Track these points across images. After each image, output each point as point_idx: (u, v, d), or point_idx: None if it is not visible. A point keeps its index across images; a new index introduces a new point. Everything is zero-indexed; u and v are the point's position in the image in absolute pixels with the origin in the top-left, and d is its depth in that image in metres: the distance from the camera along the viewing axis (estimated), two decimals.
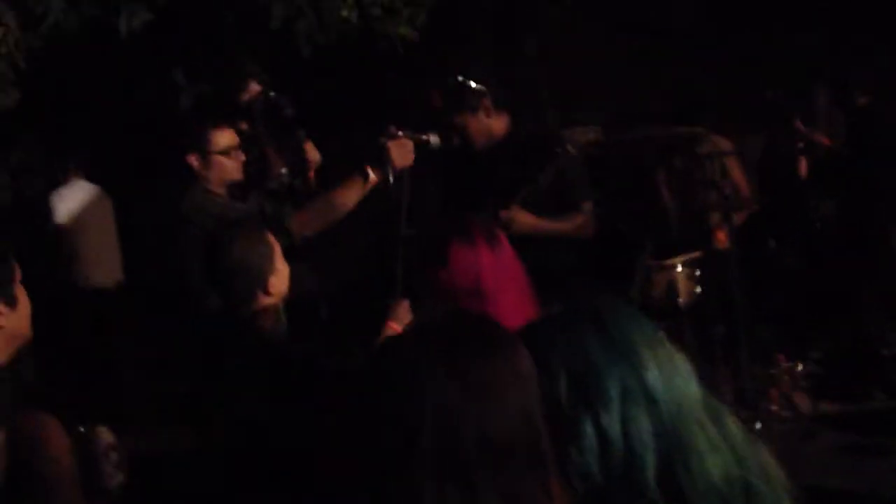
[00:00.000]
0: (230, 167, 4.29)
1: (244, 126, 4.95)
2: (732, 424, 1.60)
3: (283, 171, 4.67)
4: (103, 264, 7.08)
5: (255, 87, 4.84)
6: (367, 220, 4.11)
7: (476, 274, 4.08)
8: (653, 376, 1.55)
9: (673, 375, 1.58)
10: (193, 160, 4.24)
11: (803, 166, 7.06)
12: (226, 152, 4.27)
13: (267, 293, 3.25)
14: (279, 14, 5.95)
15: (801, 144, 7.11)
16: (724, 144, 6.10)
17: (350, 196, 3.95)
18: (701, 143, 5.88)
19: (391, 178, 3.94)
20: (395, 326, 3.51)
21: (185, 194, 4.20)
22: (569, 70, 11.06)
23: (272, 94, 4.79)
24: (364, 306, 3.90)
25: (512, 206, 4.26)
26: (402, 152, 3.95)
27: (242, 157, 4.35)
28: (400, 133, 4.00)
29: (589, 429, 1.50)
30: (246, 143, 4.52)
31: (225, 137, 4.31)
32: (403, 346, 1.50)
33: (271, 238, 3.34)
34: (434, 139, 4.15)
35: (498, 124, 4.51)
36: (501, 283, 4.06)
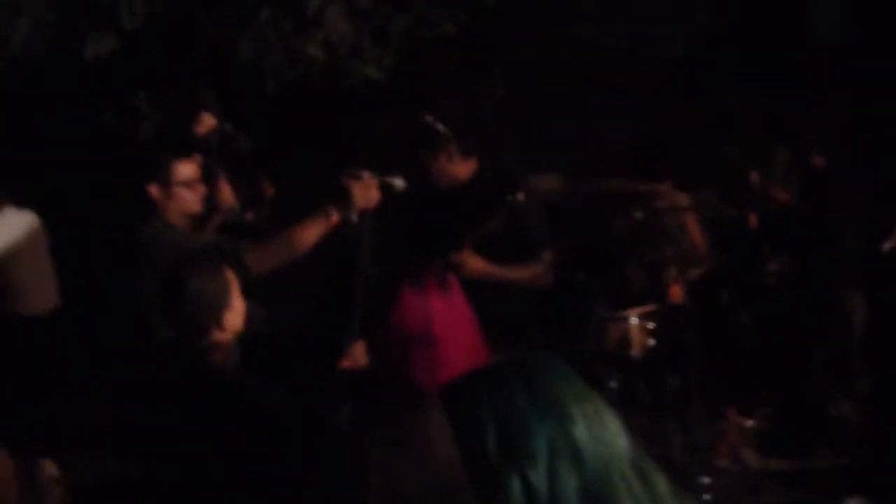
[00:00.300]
0: (190, 199, 4.26)
1: (199, 158, 4.96)
2: (661, 482, 1.61)
3: (235, 204, 4.67)
4: (38, 292, 6.91)
5: (209, 120, 4.83)
6: (328, 258, 4.10)
7: (426, 319, 4.09)
8: (581, 433, 1.56)
9: (601, 432, 1.58)
10: (154, 190, 4.22)
11: (752, 221, 7.14)
12: (187, 184, 4.25)
13: (221, 328, 3.23)
14: (247, 48, 5.95)
15: (753, 198, 7.21)
16: (683, 200, 6.16)
17: (309, 235, 3.92)
18: (660, 197, 5.94)
19: (353, 219, 3.93)
20: (349, 367, 3.50)
21: (144, 224, 4.18)
22: (535, 116, 11.15)
23: (228, 127, 4.79)
24: (320, 345, 3.89)
25: (463, 249, 4.26)
26: (365, 193, 3.94)
27: (202, 190, 4.33)
28: (366, 174, 4.00)
29: (516, 484, 1.50)
30: (201, 175, 4.51)
31: (187, 168, 4.29)
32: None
33: (229, 273, 3.32)
34: (399, 182, 4.16)
35: (463, 169, 4.53)
36: (451, 329, 4.07)
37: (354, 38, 6.07)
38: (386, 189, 4.06)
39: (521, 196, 4.36)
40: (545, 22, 8.13)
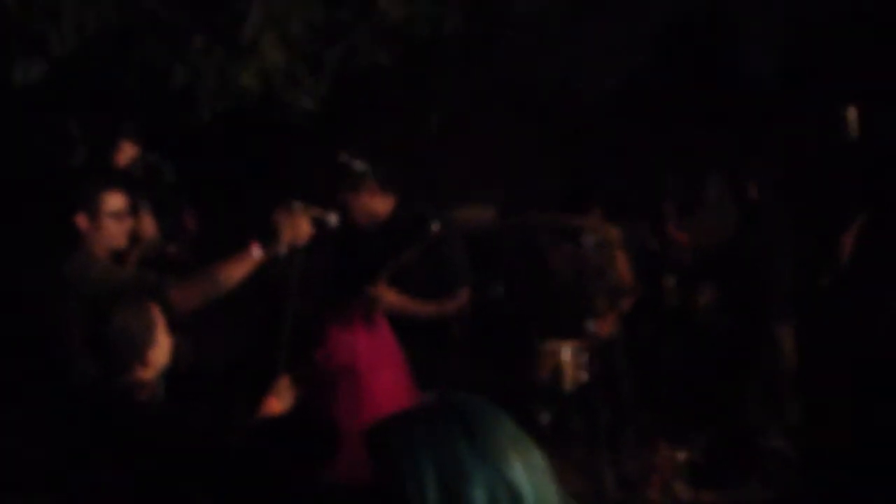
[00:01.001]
0: (117, 232, 4.18)
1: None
2: None
3: (156, 236, 4.60)
4: None
5: (130, 149, 4.76)
6: (258, 291, 4.04)
7: (351, 354, 4.06)
8: (518, 477, 1.54)
9: (534, 475, 1.57)
10: (81, 220, 4.12)
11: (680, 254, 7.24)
12: (116, 215, 4.16)
13: (144, 365, 3.18)
14: (180, 75, 5.88)
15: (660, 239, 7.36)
16: (613, 233, 6.19)
17: (235, 271, 3.83)
18: (591, 231, 5.96)
19: (281, 253, 3.87)
20: (274, 403, 3.46)
21: (68, 257, 4.08)
22: (469, 148, 11.19)
23: (151, 157, 4.73)
24: (246, 381, 3.83)
25: (378, 283, 4.24)
26: (295, 227, 3.89)
27: (129, 222, 4.24)
28: (297, 205, 3.95)
29: None
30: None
31: (116, 200, 4.20)
32: None
33: (155, 309, 3.27)
34: (333, 218, 4.13)
35: (382, 205, 4.52)
36: (376, 364, 4.05)
37: (288, 67, 6.03)
38: (319, 224, 4.03)
39: (435, 226, 4.36)
40: (481, 54, 8.17)
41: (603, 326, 5.77)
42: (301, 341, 3.99)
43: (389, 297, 4.27)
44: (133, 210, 4.48)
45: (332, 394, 4.07)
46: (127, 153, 4.93)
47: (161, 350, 3.23)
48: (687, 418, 6.55)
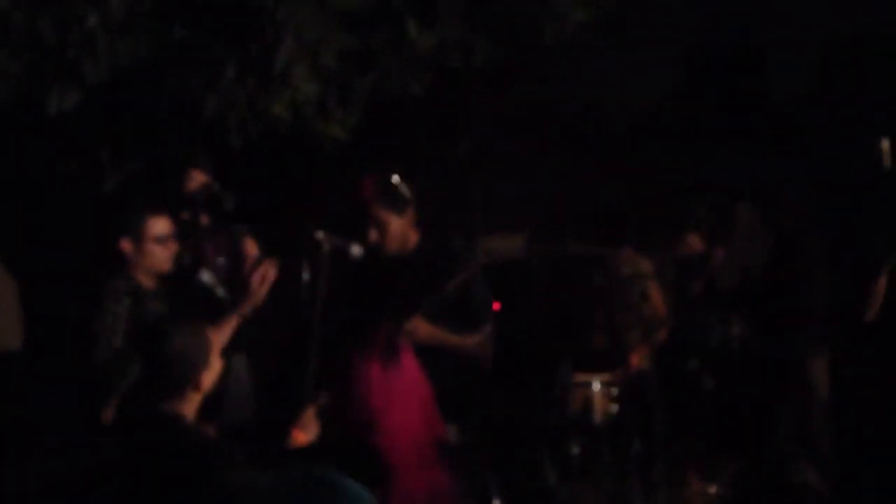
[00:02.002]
0: (162, 256, 4.20)
1: (185, 215, 4.95)
2: None
3: (221, 260, 4.63)
4: (5, 337, 6.79)
5: (199, 177, 4.82)
6: (286, 324, 4.04)
7: (366, 390, 4.04)
8: None
9: None
10: (126, 244, 4.16)
11: (697, 285, 7.15)
12: (160, 240, 4.19)
13: (196, 389, 3.20)
14: (212, 105, 5.91)
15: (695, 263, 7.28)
16: (645, 266, 6.17)
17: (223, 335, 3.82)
18: (623, 263, 5.95)
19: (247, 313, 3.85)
20: (300, 435, 3.44)
21: (107, 284, 4.11)
22: (500, 175, 11.18)
23: (215, 185, 4.78)
24: (274, 408, 3.84)
25: (414, 316, 4.22)
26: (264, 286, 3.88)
27: (175, 247, 4.26)
28: (320, 236, 3.96)
29: None
30: (184, 232, 4.47)
31: (161, 224, 4.23)
32: None
33: (210, 332, 3.29)
34: (357, 249, 4.13)
35: (414, 235, 4.50)
36: (391, 400, 4.01)
37: (319, 97, 6.05)
38: (342, 254, 4.03)
39: (476, 263, 4.36)
40: (511, 82, 8.18)
41: (635, 359, 5.74)
42: (327, 371, 3.98)
43: (424, 329, 4.25)
44: (195, 235, 4.54)
45: (353, 428, 4.04)
46: (197, 181, 5.01)
47: (212, 374, 3.25)
48: (718, 451, 6.49)
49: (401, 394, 4.08)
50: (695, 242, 7.39)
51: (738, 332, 7.16)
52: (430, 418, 4.17)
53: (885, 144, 3.92)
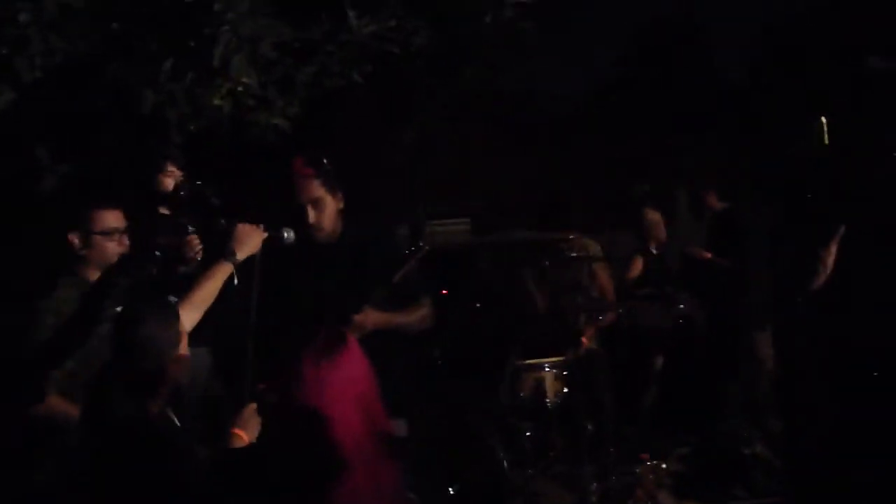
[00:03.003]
0: (112, 250, 4.13)
1: (166, 211, 4.91)
2: None
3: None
4: None
5: (176, 172, 4.77)
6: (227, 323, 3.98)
7: (305, 386, 4.00)
8: None
9: None
10: (74, 239, 4.10)
11: (636, 266, 7.22)
12: (109, 233, 4.12)
13: (166, 383, 3.18)
14: (149, 100, 5.84)
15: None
16: (593, 248, 6.19)
17: (216, 282, 3.81)
18: (570, 246, 5.96)
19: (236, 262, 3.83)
20: (241, 434, 3.41)
21: (58, 279, 4.05)
22: (443, 162, 11.19)
23: (196, 182, 4.73)
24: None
25: (365, 307, 4.19)
26: (251, 240, 3.87)
27: (126, 242, 4.19)
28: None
29: None
30: (167, 228, 4.42)
31: (109, 218, 4.15)
32: None
33: (180, 325, 3.26)
34: (289, 234, 4.09)
35: (340, 224, 4.47)
36: (330, 396, 3.98)
37: (260, 88, 6.00)
38: (273, 240, 4.00)
39: (426, 248, 4.34)
40: (452, 68, 8.16)
41: (585, 340, 5.77)
42: (266, 367, 3.94)
43: (375, 316, 4.22)
44: (179, 232, 4.48)
45: (293, 426, 4.00)
46: (174, 176, 4.95)
47: (181, 368, 3.22)
48: (670, 428, 6.56)
49: (340, 389, 4.04)
50: (653, 215, 7.44)
51: (685, 310, 7.25)
52: (371, 413, 4.13)
53: (823, 122, 3.96)
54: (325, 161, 4.43)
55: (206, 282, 3.73)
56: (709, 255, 7.09)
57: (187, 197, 5.02)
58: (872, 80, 3.74)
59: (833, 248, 3.56)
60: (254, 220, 3.95)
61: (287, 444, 3.79)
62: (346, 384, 4.03)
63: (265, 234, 3.93)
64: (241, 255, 3.84)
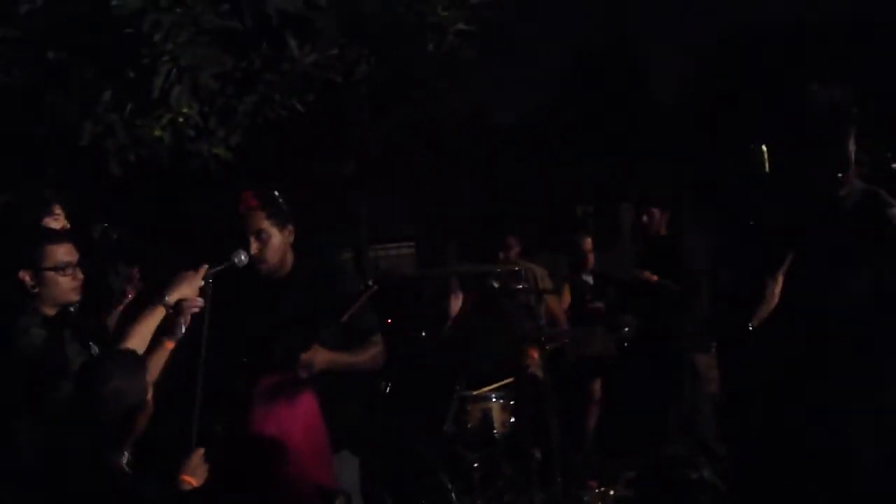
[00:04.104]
0: (66, 286, 3.97)
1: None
2: None
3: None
4: None
5: (62, 216, 4.59)
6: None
7: (253, 428, 3.96)
8: None
9: None
10: (25, 276, 3.93)
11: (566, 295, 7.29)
12: (62, 268, 3.96)
13: (134, 433, 3.14)
14: (88, 131, 5.77)
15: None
16: (539, 272, 6.21)
17: (151, 325, 3.75)
18: (517, 273, 5.96)
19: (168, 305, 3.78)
20: (189, 479, 3.35)
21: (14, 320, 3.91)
22: (386, 187, 11.19)
23: (97, 225, 4.62)
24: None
25: (313, 346, 4.15)
26: (189, 287, 3.82)
27: (81, 276, 4.04)
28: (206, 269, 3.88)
29: None
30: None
31: (60, 252, 4.00)
32: None
33: (148, 375, 3.22)
34: (241, 257, 4.05)
35: (290, 258, 4.42)
36: (280, 432, 3.94)
37: (200, 118, 5.95)
38: (227, 271, 3.95)
39: (375, 287, 4.30)
40: (394, 96, 8.18)
41: (532, 367, 5.77)
42: (215, 406, 3.88)
43: (322, 357, 4.17)
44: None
45: (241, 467, 3.95)
46: (60, 220, 4.76)
47: (146, 416, 3.17)
48: (616, 453, 6.57)
49: (287, 427, 4.00)
50: (586, 244, 7.51)
51: (626, 332, 7.29)
52: (318, 456, 4.10)
53: (763, 149, 4.00)
54: (275, 195, 4.38)
55: (139, 326, 3.67)
56: (655, 278, 7.15)
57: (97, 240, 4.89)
58: (811, 108, 3.79)
59: (779, 278, 3.58)
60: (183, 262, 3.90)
61: (234, 484, 3.75)
62: (293, 422, 3.99)
63: (201, 281, 3.86)
64: (172, 299, 3.78)
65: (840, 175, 3.65)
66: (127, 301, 4.78)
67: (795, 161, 3.88)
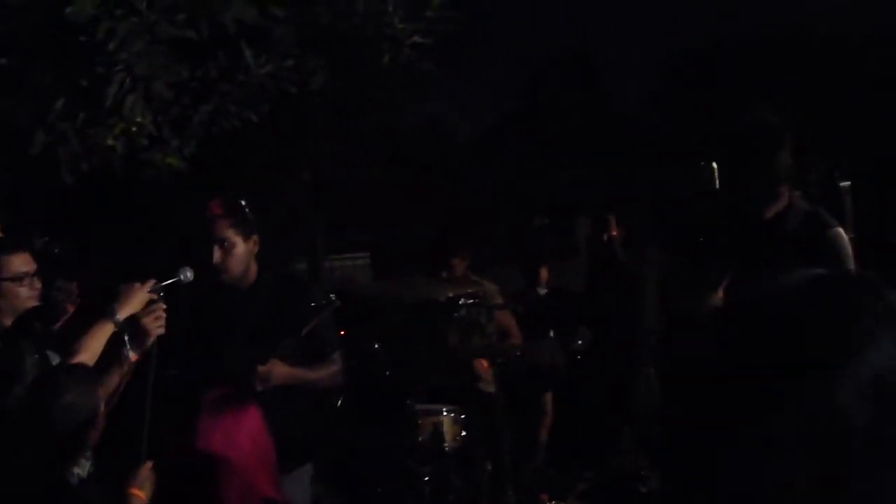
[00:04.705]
0: (24, 295, 3.94)
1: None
2: None
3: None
4: None
5: None
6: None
7: (201, 443, 3.93)
8: None
9: None
10: None
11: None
12: (20, 278, 3.93)
13: (86, 449, 3.11)
14: (39, 139, 5.71)
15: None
16: (491, 289, 6.22)
17: (99, 341, 3.71)
18: (467, 288, 5.97)
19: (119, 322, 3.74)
20: (137, 493, 3.32)
21: None
22: (342, 197, 11.18)
23: (45, 239, 4.55)
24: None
25: (270, 360, 4.13)
26: (135, 302, 3.79)
27: (38, 285, 4.01)
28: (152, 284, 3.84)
29: None
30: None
31: (17, 262, 3.96)
32: None
33: (100, 390, 3.19)
34: (187, 274, 4.02)
35: (254, 269, 4.40)
36: (230, 445, 3.91)
37: (154, 128, 5.91)
38: (173, 287, 3.92)
39: (337, 302, 4.29)
40: (350, 107, 8.17)
41: (483, 381, 5.79)
42: (166, 417, 3.85)
43: (279, 371, 4.14)
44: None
45: (185, 483, 3.91)
46: None
47: (97, 431, 3.14)
48: (567, 466, 6.60)
49: (236, 441, 3.97)
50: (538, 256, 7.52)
51: (582, 346, 7.33)
52: (264, 471, 4.07)
53: (714, 166, 4.06)
54: (242, 204, 4.36)
55: (88, 341, 3.64)
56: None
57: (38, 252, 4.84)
58: (739, 130, 3.86)
59: (720, 294, 3.64)
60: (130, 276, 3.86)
61: (180, 499, 3.72)
62: (239, 434, 3.97)
63: (148, 293, 3.83)
64: (123, 314, 3.74)
65: (769, 193, 3.73)
66: (66, 317, 4.73)
67: (729, 179, 3.96)
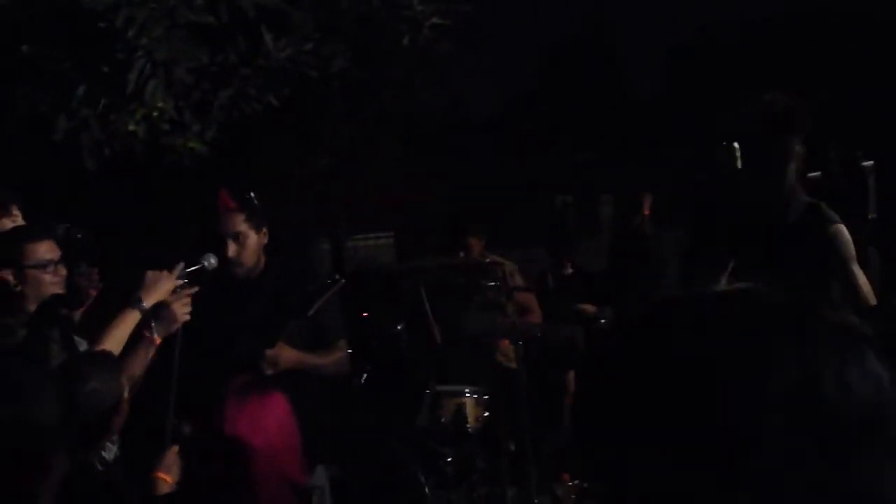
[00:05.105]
0: (49, 282, 3.94)
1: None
2: None
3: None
4: None
5: (19, 216, 4.55)
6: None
7: (225, 426, 3.96)
8: None
9: None
10: (7, 276, 3.89)
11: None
12: (44, 265, 3.93)
13: (111, 433, 3.15)
14: (62, 125, 5.75)
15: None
16: (509, 268, 6.21)
17: (125, 330, 3.74)
18: (490, 269, 5.97)
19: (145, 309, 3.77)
20: (164, 476, 3.36)
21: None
22: (362, 181, 11.19)
23: (62, 226, 4.57)
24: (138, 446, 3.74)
25: (276, 343, 4.15)
26: (160, 288, 3.81)
27: (63, 272, 4.02)
28: (180, 268, 3.87)
29: None
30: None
31: (42, 249, 3.96)
32: None
33: (124, 378, 3.22)
34: (211, 261, 4.04)
35: (263, 260, 4.43)
36: (248, 433, 3.94)
37: (175, 113, 5.94)
38: (198, 273, 3.95)
39: (342, 281, 4.31)
40: (369, 90, 8.19)
41: (505, 360, 5.80)
42: (188, 405, 3.88)
43: (287, 355, 4.18)
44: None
45: (207, 469, 3.94)
46: (16, 219, 4.70)
47: (121, 417, 3.17)
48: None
49: (261, 426, 4.00)
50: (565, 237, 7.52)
51: (605, 326, 7.32)
52: (291, 452, 4.10)
53: (735, 146, 4.04)
54: (251, 195, 4.38)
55: (114, 330, 3.66)
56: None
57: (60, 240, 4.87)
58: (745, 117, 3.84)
59: (721, 282, 3.62)
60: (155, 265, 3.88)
61: (207, 484, 3.75)
62: (265, 418, 3.99)
63: (175, 280, 3.86)
64: (149, 303, 3.77)
65: (780, 186, 3.67)
66: (89, 302, 4.76)
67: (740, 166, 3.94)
